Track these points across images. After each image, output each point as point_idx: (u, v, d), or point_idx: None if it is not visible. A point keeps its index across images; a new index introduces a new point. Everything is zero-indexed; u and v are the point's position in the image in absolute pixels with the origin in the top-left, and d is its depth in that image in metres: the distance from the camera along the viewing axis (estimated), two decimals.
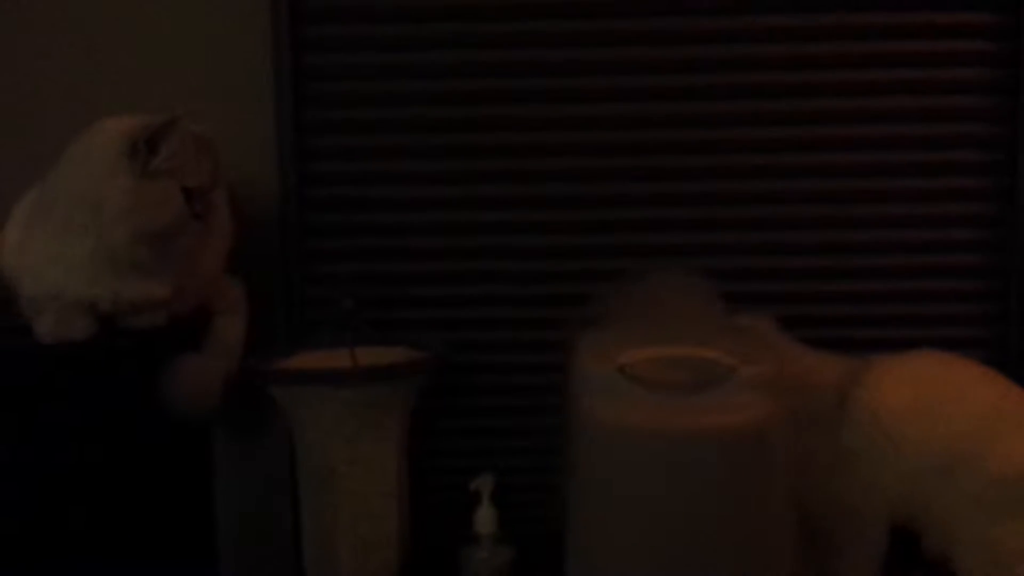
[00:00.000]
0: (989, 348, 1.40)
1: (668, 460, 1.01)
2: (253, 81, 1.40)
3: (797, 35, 1.38)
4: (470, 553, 1.29)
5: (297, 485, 1.29)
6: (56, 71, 1.42)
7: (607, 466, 1.04)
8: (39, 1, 1.41)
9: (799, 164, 1.41)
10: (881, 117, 1.39)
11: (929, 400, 1.19)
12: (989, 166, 1.39)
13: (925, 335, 1.39)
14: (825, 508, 1.22)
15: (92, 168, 1.15)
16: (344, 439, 1.23)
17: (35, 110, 1.42)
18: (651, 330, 1.13)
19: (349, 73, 1.42)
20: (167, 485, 1.22)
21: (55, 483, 1.18)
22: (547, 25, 1.40)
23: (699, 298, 1.20)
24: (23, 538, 1.17)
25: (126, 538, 1.19)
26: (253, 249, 1.34)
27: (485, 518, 1.28)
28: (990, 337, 1.41)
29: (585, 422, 1.06)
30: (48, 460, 1.17)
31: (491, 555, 1.28)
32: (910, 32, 1.38)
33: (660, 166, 1.42)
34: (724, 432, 1.02)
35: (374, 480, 1.25)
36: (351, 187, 1.44)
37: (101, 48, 1.41)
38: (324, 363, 1.28)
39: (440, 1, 1.40)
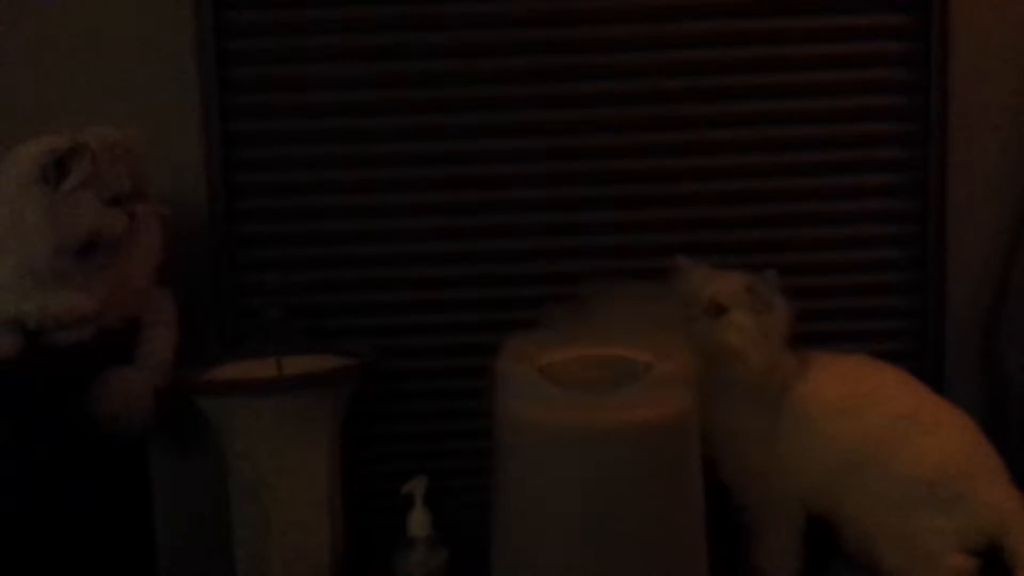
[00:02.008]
0: (907, 339, 1.44)
1: (587, 455, 1.03)
2: (179, 93, 1.40)
3: (715, 40, 1.42)
4: (405, 556, 1.29)
5: (229, 495, 1.30)
6: None
7: (529, 464, 1.06)
8: None
9: (720, 165, 1.44)
10: (799, 118, 1.43)
11: (853, 401, 1.23)
12: (903, 162, 1.43)
13: (846, 328, 1.44)
14: (743, 479, 1.26)
15: (7, 195, 1.15)
16: (271, 449, 1.23)
17: None
18: (572, 332, 1.16)
19: (276, 84, 1.43)
20: (102, 499, 1.22)
21: None
22: (475, 36, 1.42)
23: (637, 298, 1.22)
24: None
25: (63, 556, 1.19)
26: (182, 260, 1.35)
27: (419, 521, 1.29)
28: (909, 328, 1.45)
29: (507, 422, 1.08)
30: None
31: (426, 557, 1.29)
32: (825, 35, 1.42)
33: (588, 170, 1.44)
34: (640, 427, 1.04)
35: (303, 488, 1.26)
36: (279, 198, 1.45)
37: (24, 64, 1.41)
38: (252, 373, 1.29)
39: (367, 13, 1.41)
